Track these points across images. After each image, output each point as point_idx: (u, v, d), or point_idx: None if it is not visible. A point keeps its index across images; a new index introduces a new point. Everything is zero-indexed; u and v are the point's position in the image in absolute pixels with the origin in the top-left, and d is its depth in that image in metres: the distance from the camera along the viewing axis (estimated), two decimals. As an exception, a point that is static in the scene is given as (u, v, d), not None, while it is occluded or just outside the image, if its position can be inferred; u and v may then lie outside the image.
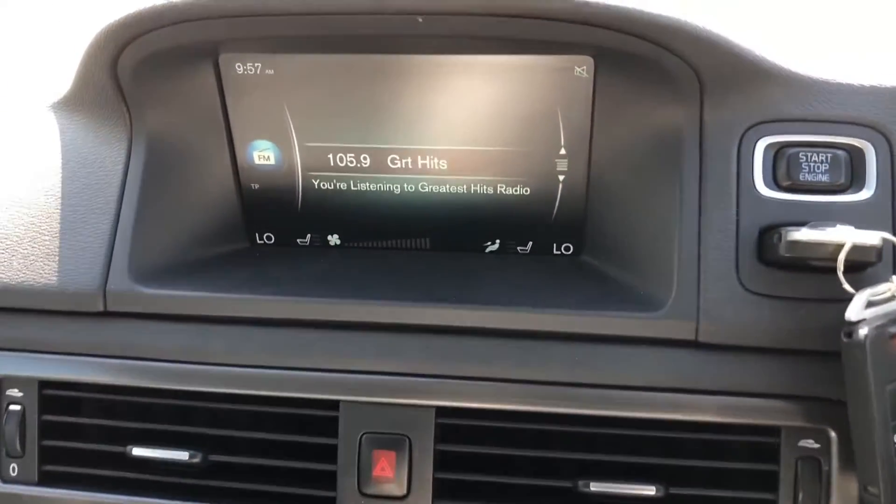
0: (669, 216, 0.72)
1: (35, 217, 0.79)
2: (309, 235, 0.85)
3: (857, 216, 0.69)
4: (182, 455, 0.76)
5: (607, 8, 0.67)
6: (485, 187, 0.80)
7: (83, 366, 0.78)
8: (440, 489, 0.74)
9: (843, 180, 0.70)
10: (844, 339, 0.64)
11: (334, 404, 0.75)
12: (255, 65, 0.77)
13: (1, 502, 0.80)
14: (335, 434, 0.75)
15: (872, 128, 0.71)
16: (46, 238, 0.78)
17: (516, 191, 0.79)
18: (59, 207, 0.79)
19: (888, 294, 0.65)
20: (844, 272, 0.65)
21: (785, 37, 0.76)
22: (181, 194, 0.81)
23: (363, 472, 0.74)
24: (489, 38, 0.71)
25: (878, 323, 0.63)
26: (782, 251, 0.66)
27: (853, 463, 0.67)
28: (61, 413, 0.79)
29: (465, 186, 0.80)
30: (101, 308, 0.77)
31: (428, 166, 0.79)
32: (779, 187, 0.71)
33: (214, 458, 0.77)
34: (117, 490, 0.78)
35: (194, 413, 0.78)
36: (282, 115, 0.79)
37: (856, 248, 0.65)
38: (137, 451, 0.77)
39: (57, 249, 0.78)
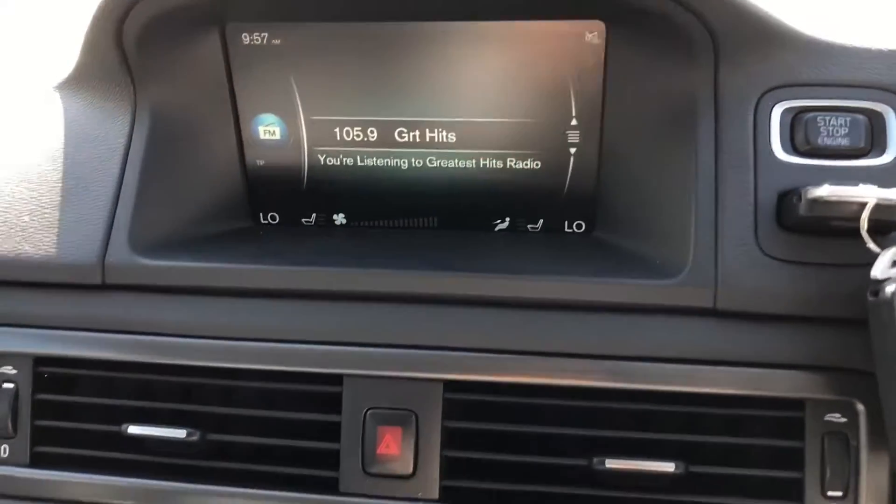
0: (685, 184, 0.70)
1: (36, 191, 0.78)
2: (314, 215, 0.83)
3: (879, 180, 0.66)
4: (179, 433, 0.73)
5: None
6: (494, 161, 0.78)
7: (80, 341, 0.76)
8: (448, 468, 0.71)
9: (863, 144, 0.68)
10: (871, 299, 0.62)
11: (338, 379, 0.72)
12: (262, 34, 0.76)
13: (-9, 485, 0.77)
14: (338, 411, 0.72)
15: (891, 91, 0.69)
16: (47, 211, 0.77)
17: (526, 164, 0.78)
18: (61, 180, 0.78)
19: (915, 252, 0.62)
20: (868, 233, 0.63)
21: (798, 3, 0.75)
22: (184, 169, 0.80)
23: (367, 451, 0.71)
24: None
25: (906, 281, 0.61)
26: (803, 210, 0.64)
27: (884, 438, 0.64)
28: (56, 392, 0.77)
29: (473, 160, 0.78)
30: (99, 280, 0.75)
31: (436, 139, 0.78)
32: (797, 152, 0.69)
33: (213, 437, 0.74)
34: (112, 471, 0.75)
35: (193, 391, 0.76)
36: (288, 87, 0.78)
37: (879, 207, 0.62)
38: (133, 430, 0.74)
39: (56, 222, 0.76)
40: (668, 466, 0.68)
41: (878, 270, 0.61)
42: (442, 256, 0.75)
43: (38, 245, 0.76)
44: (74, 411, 0.77)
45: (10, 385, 0.77)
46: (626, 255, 0.75)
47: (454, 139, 0.78)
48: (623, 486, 0.70)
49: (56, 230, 0.76)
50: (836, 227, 0.65)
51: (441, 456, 0.70)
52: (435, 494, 0.70)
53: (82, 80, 0.82)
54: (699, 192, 0.69)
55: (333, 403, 0.72)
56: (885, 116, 0.69)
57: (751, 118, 0.70)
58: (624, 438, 0.70)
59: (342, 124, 0.79)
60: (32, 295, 0.77)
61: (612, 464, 0.68)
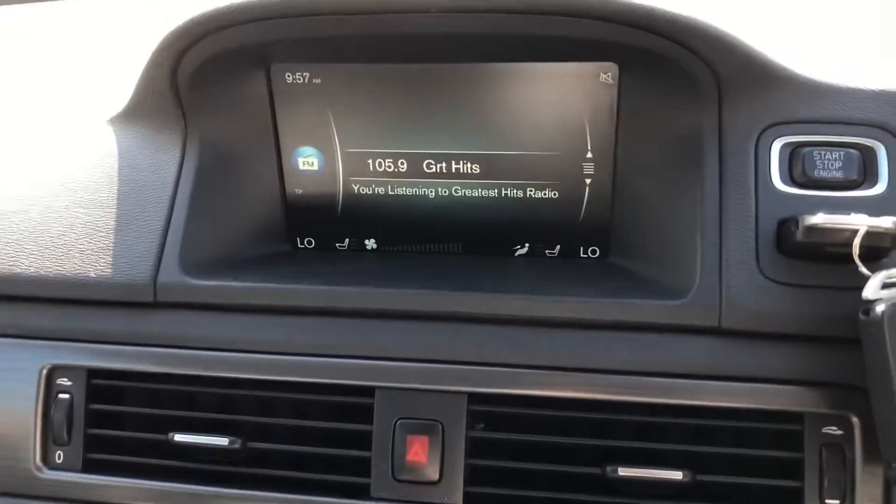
0: (692, 212, 0.76)
1: (92, 216, 0.84)
2: (347, 240, 0.89)
3: (871, 209, 0.71)
4: (222, 441, 0.79)
5: (630, 6, 0.73)
6: (515, 191, 0.84)
7: (131, 355, 0.82)
8: (471, 475, 0.76)
9: (855, 176, 0.74)
10: (862, 318, 0.67)
11: (370, 391, 0.78)
12: (304, 74, 0.83)
13: (45, 488, 0.82)
14: (370, 421, 0.77)
15: (882, 128, 0.75)
16: (102, 234, 0.83)
17: (545, 194, 0.84)
18: (116, 206, 0.84)
19: (904, 275, 0.67)
20: (860, 258, 0.68)
21: (793, 44, 0.81)
22: (230, 196, 0.86)
23: (397, 458, 0.76)
24: (517, 36, 0.76)
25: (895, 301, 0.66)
26: (800, 237, 0.69)
27: (877, 450, 0.68)
28: (107, 402, 0.83)
29: (496, 190, 0.85)
30: (151, 299, 0.81)
31: (461, 171, 0.84)
32: (795, 183, 0.75)
33: (253, 445, 0.79)
34: (158, 477, 0.81)
35: (235, 402, 0.81)
36: (326, 122, 0.85)
37: (870, 234, 0.67)
38: (179, 438, 0.80)
39: (112, 245, 0.83)
40: (677, 475, 0.72)
41: (870, 291, 0.67)
42: (467, 278, 0.81)
43: (95, 266, 0.82)
44: (124, 420, 0.83)
45: (66, 396, 0.82)
46: (637, 278, 0.80)
47: (478, 170, 0.84)
48: (634, 493, 0.74)
49: (111, 252, 0.82)
50: (830, 252, 0.70)
51: (465, 464, 0.75)
52: (459, 500, 0.75)
53: (137, 114, 0.89)
54: (705, 219, 0.75)
55: (365, 414, 0.78)
56: (877, 151, 0.74)
57: (752, 152, 0.76)
58: (635, 448, 0.74)
59: (375, 156, 0.85)
60: (88, 312, 0.83)
61: (624, 472, 0.73)
